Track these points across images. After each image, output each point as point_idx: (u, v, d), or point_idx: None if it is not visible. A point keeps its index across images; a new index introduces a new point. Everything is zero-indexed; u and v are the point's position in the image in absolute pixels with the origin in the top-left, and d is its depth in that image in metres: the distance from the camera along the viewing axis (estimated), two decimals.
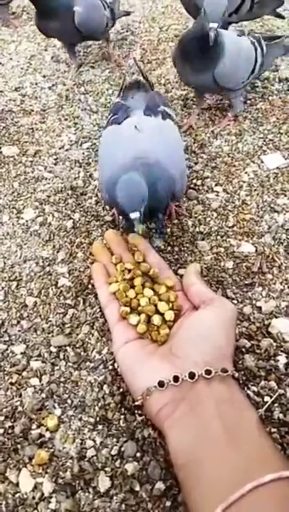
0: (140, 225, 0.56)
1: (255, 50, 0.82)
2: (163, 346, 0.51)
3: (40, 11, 0.94)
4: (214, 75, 0.77)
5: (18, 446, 0.49)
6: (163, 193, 0.60)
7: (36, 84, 1.03)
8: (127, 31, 1.19)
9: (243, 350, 0.55)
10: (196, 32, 0.73)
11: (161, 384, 0.46)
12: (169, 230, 0.70)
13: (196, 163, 0.80)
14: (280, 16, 1.10)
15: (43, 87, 1.02)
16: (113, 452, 0.48)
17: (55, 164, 0.82)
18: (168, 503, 0.45)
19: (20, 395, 0.53)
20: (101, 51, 1.12)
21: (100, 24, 1.00)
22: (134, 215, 0.55)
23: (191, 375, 0.45)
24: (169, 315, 0.54)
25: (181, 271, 0.63)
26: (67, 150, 0.85)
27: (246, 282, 0.62)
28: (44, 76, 1.05)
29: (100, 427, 0.50)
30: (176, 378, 0.45)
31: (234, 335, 0.50)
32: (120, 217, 0.69)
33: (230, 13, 0.96)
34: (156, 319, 0.53)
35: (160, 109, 0.68)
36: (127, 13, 1.15)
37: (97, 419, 0.51)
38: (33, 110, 0.95)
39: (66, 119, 0.92)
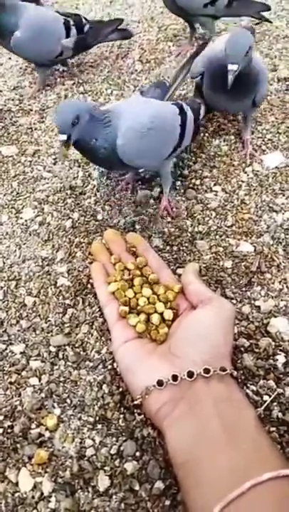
0: (63, 148, 0.57)
1: None
2: (162, 345, 0.52)
3: None
4: (255, 100, 0.75)
5: (18, 445, 0.49)
6: (98, 143, 0.60)
7: (35, 83, 1.03)
8: (125, 30, 1.18)
9: (242, 349, 0.56)
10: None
11: (160, 383, 0.46)
12: (167, 230, 0.70)
13: (194, 163, 0.80)
14: (267, 20, 1.10)
15: None
16: (112, 451, 0.48)
17: (54, 164, 0.82)
18: (167, 502, 0.45)
19: (20, 395, 0.53)
20: (100, 50, 1.12)
21: (48, 53, 0.94)
22: (61, 137, 0.56)
23: (190, 374, 0.45)
24: (168, 314, 0.54)
25: (180, 270, 0.64)
26: None
27: (245, 282, 0.63)
28: None
29: (99, 426, 0.50)
30: (175, 377, 0.46)
31: (232, 334, 0.50)
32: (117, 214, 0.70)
33: (206, 4, 0.96)
34: (155, 318, 0.54)
35: (180, 103, 0.70)
36: (125, 36, 1.06)
37: (97, 418, 0.51)
38: (31, 110, 0.95)
39: None
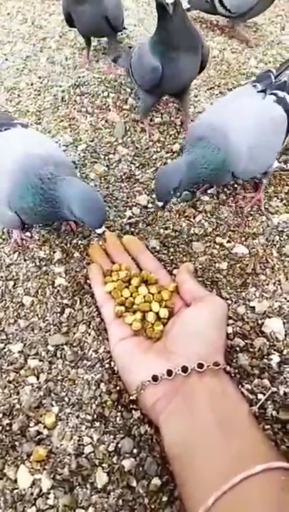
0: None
1: None
2: (157, 343, 0.53)
3: None
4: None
5: (16, 443, 0.50)
6: None
7: (32, 85, 1.03)
8: (122, 34, 1.19)
9: (237, 349, 0.57)
10: None
11: (155, 378, 0.47)
12: (163, 231, 0.71)
13: None
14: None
15: (39, 88, 1.02)
16: (110, 449, 0.49)
17: None
18: (164, 498, 0.46)
19: (18, 393, 0.53)
20: (96, 53, 1.13)
21: None
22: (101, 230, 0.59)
23: (184, 369, 0.46)
24: (163, 312, 0.55)
25: (176, 271, 0.64)
26: (63, 151, 0.86)
27: (240, 283, 0.64)
28: (40, 77, 1.06)
29: (97, 424, 0.51)
30: (169, 372, 0.47)
31: (225, 330, 0.52)
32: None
33: None
34: (150, 316, 0.55)
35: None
36: None
37: (94, 416, 0.51)
38: (28, 111, 0.96)
39: (62, 121, 0.93)
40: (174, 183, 0.62)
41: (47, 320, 0.60)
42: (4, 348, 0.58)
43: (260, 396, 0.52)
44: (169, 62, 0.74)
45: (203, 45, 0.76)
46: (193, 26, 0.73)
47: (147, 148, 0.85)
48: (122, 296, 0.57)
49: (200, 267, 0.66)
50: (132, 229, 0.71)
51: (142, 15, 1.29)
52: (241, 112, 0.65)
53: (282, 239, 0.69)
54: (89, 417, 0.51)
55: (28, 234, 0.70)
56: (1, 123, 0.68)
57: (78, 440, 0.50)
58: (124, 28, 1.15)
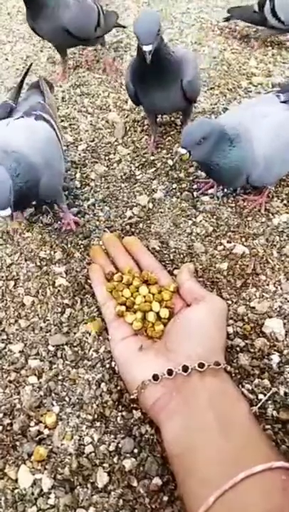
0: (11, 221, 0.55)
1: None
2: (158, 342, 0.53)
3: None
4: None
5: (17, 443, 0.50)
6: (25, 186, 0.57)
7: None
8: (122, 34, 1.19)
9: (238, 349, 0.57)
10: None
11: (155, 377, 0.47)
12: (163, 231, 0.71)
13: (190, 166, 0.81)
14: (123, 26, 1.13)
15: None
16: (111, 449, 0.49)
17: None
18: (165, 498, 0.46)
19: (19, 393, 0.54)
20: (96, 53, 1.13)
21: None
22: (5, 213, 0.53)
23: (185, 368, 0.46)
24: (164, 312, 0.55)
25: (176, 272, 0.64)
26: (63, 151, 0.86)
27: (240, 283, 0.64)
28: (40, 77, 1.06)
29: (97, 424, 0.51)
30: (170, 372, 0.47)
31: (225, 329, 0.52)
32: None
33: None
34: (151, 316, 0.55)
35: (35, 113, 0.67)
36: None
37: (95, 416, 0.51)
38: None
39: (62, 121, 0.93)
40: (203, 133, 0.61)
41: (47, 320, 0.60)
42: (5, 348, 0.58)
43: (260, 396, 0.52)
44: (141, 90, 0.75)
45: (183, 80, 0.72)
46: (176, 62, 0.71)
47: (147, 149, 0.85)
48: (122, 296, 0.57)
49: (200, 267, 0.66)
50: (133, 229, 0.71)
51: None
52: (262, 122, 0.66)
53: (282, 239, 0.69)
54: (89, 417, 0.51)
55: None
56: (32, 107, 0.68)
57: (79, 440, 0.50)
58: (123, 26, 1.14)
